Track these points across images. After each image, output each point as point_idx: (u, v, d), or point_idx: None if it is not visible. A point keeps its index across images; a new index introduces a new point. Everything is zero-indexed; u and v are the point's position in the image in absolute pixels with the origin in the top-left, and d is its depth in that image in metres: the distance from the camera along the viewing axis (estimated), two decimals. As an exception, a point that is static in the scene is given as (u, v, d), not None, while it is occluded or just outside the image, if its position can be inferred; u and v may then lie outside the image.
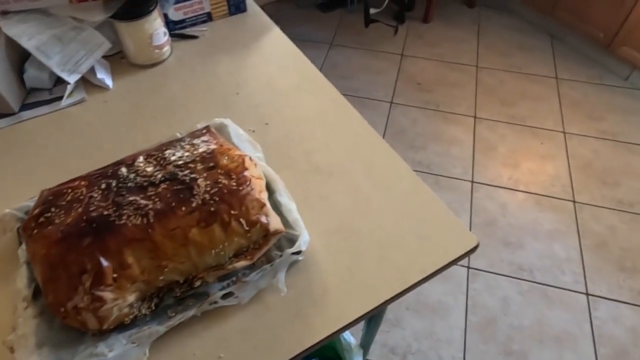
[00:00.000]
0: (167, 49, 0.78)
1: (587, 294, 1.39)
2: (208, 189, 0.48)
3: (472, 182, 1.71)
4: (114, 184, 0.48)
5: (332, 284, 0.51)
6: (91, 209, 0.46)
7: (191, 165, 0.50)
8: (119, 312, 0.44)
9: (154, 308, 0.47)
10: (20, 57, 0.71)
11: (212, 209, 0.47)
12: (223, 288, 0.49)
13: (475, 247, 0.54)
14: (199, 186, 0.48)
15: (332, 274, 0.52)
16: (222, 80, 0.76)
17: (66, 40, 0.70)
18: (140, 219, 0.45)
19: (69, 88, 0.71)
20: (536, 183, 1.70)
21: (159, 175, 0.49)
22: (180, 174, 0.49)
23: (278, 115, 0.70)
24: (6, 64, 0.67)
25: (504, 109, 1.97)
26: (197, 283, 0.49)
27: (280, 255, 0.51)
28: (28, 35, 0.68)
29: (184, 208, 0.47)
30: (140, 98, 0.73)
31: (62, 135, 0.68)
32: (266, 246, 0.51)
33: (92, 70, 0.73)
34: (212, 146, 0.53)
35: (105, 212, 0.45)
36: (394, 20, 2.39)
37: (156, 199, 0.47)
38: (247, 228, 0.49)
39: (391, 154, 0.64)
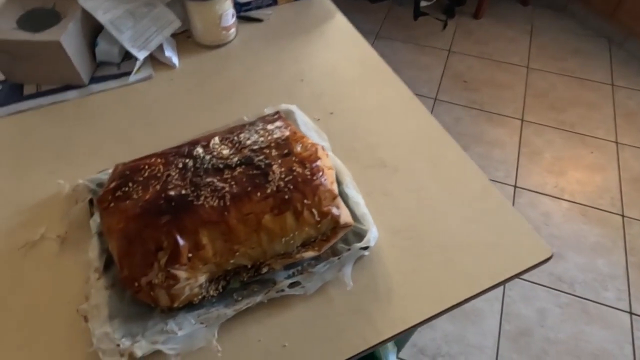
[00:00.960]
0: (233, 30, 0.77)
1: (631, 313, 1.33)
2: (283, 176, 0.48)
3: (515, 186, 1.66)
4: (190, 163, 0.48)
5: (396, 283, 0.50)
6: (169, 187, 0.46)
7: (266, 150, 0.50)
8: (189, 291, 0.45)
9: (221, 290, 0.48)
10: (93, 31, 0.72)
11: (286, 196, 0.47)
12: (289, 276, 0.49)
13: (549, 259, 0.52)
14: (273, 172, 0.48)
15: (396, 272, 0.51)
16: (286, 67, 0.75)
17: (138, 16, 0.71)
18: (217, 201, 0.45)
19: (138, 64, 0.72)
20: (583, 193, 1.63)
21: (235, 159, 0.48)
22: (256, 158, 0.48)
23: (342, 105, 0.68)
24: (81, 37, 0.69)
25: (553, 114, 1.89)
26: (264, 269, 0.48)
27: (348, 249, 0.50)
28: (103, 9, 0.69)
29: (259, 194, 0.46)
30: (205, 78, 0.73)
31: (129, 110, 0.68)
32: (334, 239, 0.50)
33: (160, 48, 0.73)
34: (286, 133, 0.52)
35: (184, 192, 0.45)
36: (444, 14, 2.33)
37: (232, 183, 0.46)
38: (318, 219, 0.48)
39: (459, 154, 0.62)
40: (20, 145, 0.64)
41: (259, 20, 0.83)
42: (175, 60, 0.74)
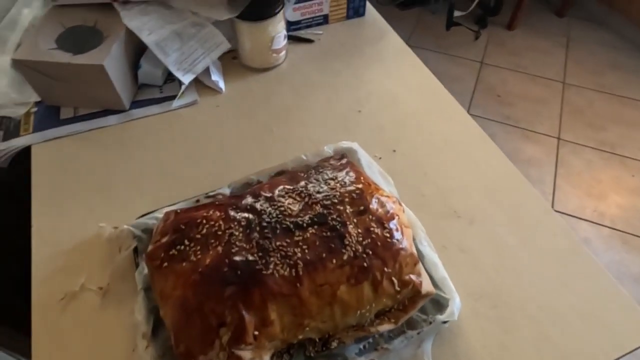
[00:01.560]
0: (283, 53, 0.72)
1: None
2: (360, 239, 0.42)
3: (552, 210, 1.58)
4: (255, 220, 0.42)
5: (483, 361, 0.44)
6: (233, 250, 0.40)
7: (339, 207, 0.44)
8: (254, 372, 0.39)
9: (285, 366, 0.42)
10: (136, 52, 0.67)
11: (365, 264, 0.41)
12: (360, 352, 0.43)
13: (657, 340, 0.45)
14: (350, 234, 0.42)
15: (482, 348, 0.45)
16: (341, 94, 0.69)
17: (185, 37, 0.65)
18: (288, 269, 0.39)
19: (183, 88, 0.66)
20: (624, 219, 1.55)
21: (306, 217, 0.42)
22: (329, 217, 0.42)
23: (406, 141, 0.62)
24: (123, 59, 0.63)
25: (591, 133, 1.81)
26: (334, 344, 0.43)
27: (426, 321, 0.44)
28: (149, 29, 0.63)
29: (334, 261, 0.40)
30: (253, 105, 0.67)
31: (172, 139, 0.63)
32: (413, 310, 0.44)
33: (206, 71, 0.68)
34: (359, 184, 0.46)
35: (251, 258, 0.39)
36: (476, 24, 2.25)
37: (304, 247, 0.41)
38: (398, 288, 0.42)
39: (541, 204, 0.56)
40: (58, 176, 0.59)
41: (309, 40, 0.77)
42: (221, 84, 0.68)
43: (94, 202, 0.56)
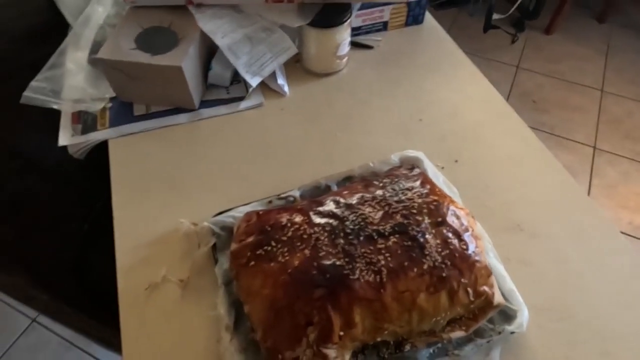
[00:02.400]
0: (346, 59, 0.73)
1: None
2: (439, 249, 0.44)
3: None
4: (339, 226, 0.45)
5: (548, 373, 0.46)
6: (321, 254, 0.43)
7: (418, 217, 0.46)
8: (336, 370, 0.41)
9: (360, 366, 0.44)
10: (207, 54, 0.69)
11: (444, 274, 0.43)
12: (431, 356, 0.45)
13: None
14: (429, 245, 0.44)
15: (547, 360, 0.46)
16: (401, 103, 0.70)
17: (256, 42, 0.68)
18: (372, 275, 0.42)
19: (250, 91, 0.69)
20: (660, 234, 1.53)
21: (387, 226, 0.45)
22: (409, 227, 0.44)
23: (467, 152, 0.64)
24: (197, 61, 0.66)
25: (629, 144, 1.78)
26: (407, 347, 0.45)
27: (494, 330, 0.46)
28: (222, 32, 0.66)
29: (415, 269, 0.42)
30: (316, 110, 0.69)
31: (240, 140, 0.66)
32: (483, 319, 0.46)
33: (272, 74, 0.70)
34: (434, 196, 0.48)
35: (338, 263, 0.42)
36: (513, 27, 2.22)
37: (387, 255, 0.43)
38: (472, 299, 0.44)
39: (602, 220, 0.57)
40: (134, 170, 0.62)
41: (368, 47, 0.78)
42: (286, 88, 0.71)
43: (168, 197, 0.59)
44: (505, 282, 0.49)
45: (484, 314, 0.46)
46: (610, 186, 1.66)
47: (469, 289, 0.44)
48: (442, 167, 0.62)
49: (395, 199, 0.47)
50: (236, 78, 0.72)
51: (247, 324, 0.46)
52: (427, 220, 0.45)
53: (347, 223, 0.45)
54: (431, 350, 0.46)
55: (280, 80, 0.70)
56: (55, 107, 0.67)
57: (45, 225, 0.84)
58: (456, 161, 0.63)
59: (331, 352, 0.40)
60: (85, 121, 0.67)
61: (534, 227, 0.56)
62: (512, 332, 0.46)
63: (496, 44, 2.16)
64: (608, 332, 0.48)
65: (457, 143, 0.65)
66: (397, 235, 0.44)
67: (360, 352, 0.45)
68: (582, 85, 2.00)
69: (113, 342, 0.77)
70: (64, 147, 0.66)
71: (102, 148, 0.67)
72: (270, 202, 0.55)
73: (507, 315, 0.47)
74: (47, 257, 0.84)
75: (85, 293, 0.86)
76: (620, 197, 1.63)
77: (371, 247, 0.43)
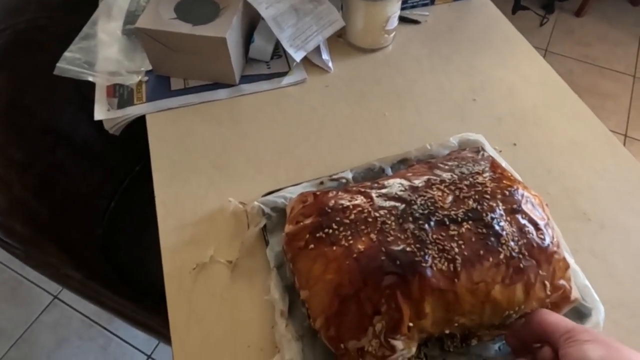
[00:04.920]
0: (394, 34, 0.69)
1: None
2: (516, 238, 0.40)
3: None
4: (407, 210, 0.42)
5: (624, 372, 0.43)
6: (389, 239, 0.40)
7: (492, 203, 0.42)
8: (401, 362, 0.39)
9: (423, 358, 0.42)
10: (249, 26, 0.66)
11: (521, 265, 0.40)
12: (498, 352, 0.43)
13: None
14: (506, 233, 0.40)
15: (623, 358, 0.43)
16: (453, 81, 0.66)
17: (302, 13, 0.64)
18: (446, 264, 0.38)
19: (294, 65, 0.65)
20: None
21: (460, 212, 0.41)
22: (484, 213, 0.41)
23: (526, 136, 0.60)
24: (240, 32, 0.62)
25: (663, 133, 1.72)
26: (474, 342, 0.42)
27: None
28: (267, 2, 0.62)
29: (491, 259, 0.39)
30: (363, 87, 0.66)
31: (284, 118, 0.62)
32: (556, 314, 0.43)
33: (316, 49, 0.66)
34: (507, 181, 0.45)
35: (409, 249, 0.39)
36: (542, 9, 2.14)
37: (460, 242, 0.40)
38: (549, 293, 0.41)
39: (677, 213, 0.53)
40: (174, 147, 0.59)
41: (415, 22, 0.74)
42: (331, 64, 0.67)
43: (213, 176, 0.56)
44: (579, 278, 0.45)
45: (559, 309, 0.42)
46: (642, 176, 1.60)
47: (546, 282, 0.40)
48: (500, 151, 0.58)
49: (466, 182, 0.44)
50: (276, 52, 0.68)
51: (302, 310, 0.43)
52: (501, 207, 0.42)
53: (415, 207, 0.42)
54: (497, 347, 0.43)
55: (325, 56, 0.66)
56: (90, 79, 0.64)
57: (76, 201, 0.82)
58: (514, 144, 0.59)
59: (399, 344, 0.38)
60: (121, 95, 0.64)
61: (602, 217, 0.53)
62: (586, 329, 0.43)
63: (524, 26, 2.08)
64: (689, 331, 0.45)
65: (515, 126, 0.61)
66: (470, 222, 0.41)
67: (423, 344, 0.42)
68: (614, 71, 1.93)
69: (145, 323, 0.76)
70: (94, 122, 0.63)
71: (131, 124, 0.64)
72: (321, 183, 0.52)
73: (580, 312, 0.44)
74: (78, 235, 0.83)
75: (116, 272, 0.84)
76: (652, 187, 1.58)
77: (443, 234, 0.40)
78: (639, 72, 1.92)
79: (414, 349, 0.39)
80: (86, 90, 0.67)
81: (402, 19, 0.73)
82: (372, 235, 0.40)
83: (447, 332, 0.41)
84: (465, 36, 0.72)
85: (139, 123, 0.63)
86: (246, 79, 0.66)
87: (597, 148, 0.59)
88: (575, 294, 0.42)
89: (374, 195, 0.44)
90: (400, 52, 0.70)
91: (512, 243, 0.40)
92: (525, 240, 0.40)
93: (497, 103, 0.63)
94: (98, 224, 0.92)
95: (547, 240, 0.41)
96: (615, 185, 0.55)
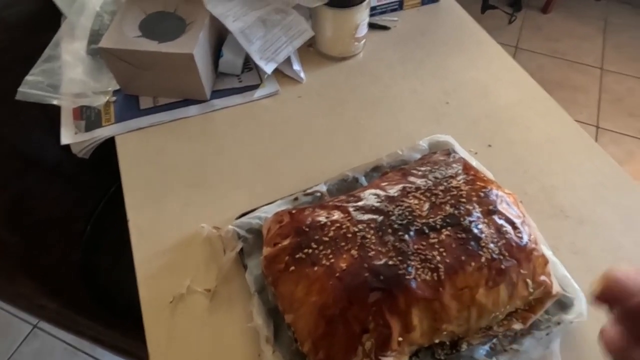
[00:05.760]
0: (364, 41, 0.69)
1: None
2: (495, 240, 0.40)
3: None
4: (385, 222, 0.41)
5: (610, 367, 0.43)
6: (370, 254, 0.39)
7: (468, 206, 0.42)
8: (392, 378, 0.38)
9: (414, 370, 0.41)
10: (217, 40, 0.64)
11: (502, 266, 0.39)
12: (488, 353, 0.42)
13: None
14: (485, 236, 0.40)
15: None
16: (426, 85, 0.66)
17: (269, 25, 0.63)
18: (430, 274, 0.38)
19: (265, 78, 0.64)
20: (667, 211, 1.52)
21: (438, 219, 0.41)
22: (461, 218, 0.41)
23: (501, 136, 0.60)
24: (207, 47, 0.61)
25: (632, 122, 1.77)
26: (464, 347, 0.42)
27: (550, 321, 0.43)
28: (233, 15, 0.61)
29: (472, 263, 0.39)
30: (336, 96, 0.65)
31: (258, 131, 0.61)
32: (540, 310, 0.43)
33: (287, 60, 0.65)
34: (481, 182, 0.45)
35: (391, 263, 0.38)
36: (509, 7, 2.18)
37: (441, 250, 0.39)
38: (531, 290, 0.41)
39: (651, 204, 0.54)
40: (146, 168, 0.57)
41: (385, 27, 0.74)
42: (303, 74, 0.66)
43: (188, 196, 0.55)
44: (558, 269, 0.46)
45: (542, 304, 0.43)
46: (615, 165, 1.64)
47: (528, 280, 0.40)
48: (476, 153, 0.58)
49: (441, 188, 0.44)
50: (247, 65, 0.67)
51: (288, 334, 0.42)
52: (478, 209, 0.42)
53: (393, 218, 0.41)
54: (487, 348, 0.43)
55: (296, 66, 0.66)
56: (54, 102, 0.62)
57: (49, 227, 0.79)
58: (490, 145, 0.59)
59: None
60: (88, 117, 0.62)
61: (580, 213, 0.53)
62: (572, 322, 0.43)
63: (493, 24, 2.12)
64: (670, 321, 0.45)
65: (490, 126, 0.61)
66: (449, 228, 0.40)
67: (414, 354, 0.42)
68: (583, 64, 1.98)
69: (127, 349, 0.73)
70: (64, 145, 0.61)
71: (103, 143, 0.61)
72: (296, 199, 0.51)
73: (563, 304, 0.44)
74: (53, 262, 0.80)
75: (95, 298, 0.81)
76: (626, 175, 1.61)
77: (424, 243, 0.40)
78: (605, 65, 1.97)
79: (403, 362, 0.39)
80: (53, 112, 0.64)
81: (372, 26, 0.73)
82: (353, 252, 0.39)
83: (436, 341, 0.40)
84: (436, 39, 0.72)
85: (112, 142, 0.61)
86: (217, 93, 0.65)
87: (570, 144, 0.59)
88: (556, 287, 0.42)
89: (351, 209, 0.43)
90: (372, 59, 0.70)
91: (491, 245, 0.40)
92: (504, 241, 0.40)
93: (470, 105, 0.64)
94: (75, 248, 0.89)
95: (525, 238, 0.41)
96: (590, 180, 0.56)
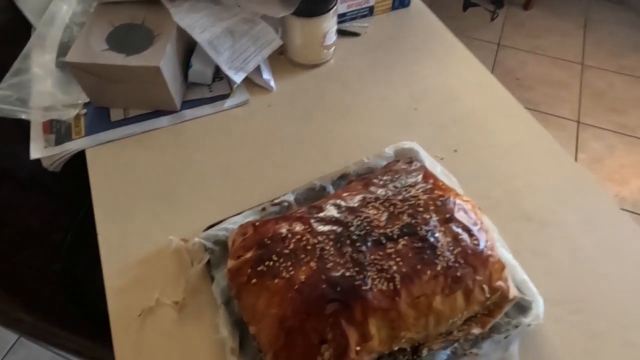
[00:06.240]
0: (333, 48, 0.70)
1: None
2: (451, 248, 0.41)
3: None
4: (344, 233, 0.42)
5: (568, 367, 0.44)
6: (328, 265, 0.40)
7: (425, 215, 0.43)
8: (352, 385, 0.39)
9: (376, 377, 0.42)
10: (186, 51, 0.65)
11: (458, 273, 0.40)
12: (449, 357, 0.43)
13: None
14: (441, 244, 0.41)
15: (567, 355, 0.45)
16: (395, 91, 0.67)
17: (237, 35, 0.63)
18: (385, 283, 0.39)
19: (234, 88, 0.64)
20: (646, 204, 1.55)
21: (395, 229, 0.42)
22: (418, 227, 0.42)
23: (467, 141, 0.61)
24: (175, 59, 0.61)
25: (613, 116, 1.79)
26: (424, 352, 0.43)
27: (509, 324, 0.44)
28: (200, 27, 0.61)
29: (428, 272, 0.40)
30: (306, 103, 0.66)
31: (228, 141, 0.62)
32: (499, 314, 0.44)
33: (256, 69, 0.66)
34: (439, 191, 0.46)
35: (348, 274, 0.39)
36: (492, 4, 2.20)
37: (398, 259, 0.40)
38: (488, 295, 0.42)
39: (613, 208, 0.55)
40: (117, 181, 0.58)
41: (355, 34, 0.75)
42: (272, 83, 0.67)
43: (158, 208, 0.55)
44: (517, 273, 0.47)
45: (500, 309, 0.44)
46: (596, 160, 1.67)
47: (484, 286, 0.42)
48: (442, 158, 0.59)
49: (399, 197, 0.45)
50: (218, 75, 0.68)
51: (253, 345, 0.43)
52: (435, 218, 0.43)
53: (352, 229, 0.42)
54: (449, 352, 0.44)
55: (266, 75, 0.66)
56: (23, 116, 0.62)
57: (27, 239, 0.79)
58: (455, 151, 0.60)
59: (347, 368, 0.38)
60: (58, 130, 0.62)
61: (543, 215, 0.54)
62: (529, 325, 0.44)
63: (476, 22, 2.14)
64: (629, 321, 0.46)
65: (456, 132, 0.62)
66: (406, 237, 0.41)
67: (376, 362, 0.43)
68: (564, 60, 2.00)
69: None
70: (41, 161, 0.61)
71: (77, 155, 0.62)
72: (263, 209, 0.52)
73: (522, 307, 0.45)
74: (30, 275, 0.79)
75: (75, 310, 0.81)
76: (606, 170, 1.64)
77: (380, 253, 0.40)
78: (586, 60, 2.00)
79: (362, 370, 0.40)
80: (26, 123, 0.64)
81: (342, 32, 0.74)
82: (312, 264, 0.40)
83: (396, 348, 0.41)
84: (405, 45, 0.73)
85: (87, 153, 0.61)
86: (188, 104, 0.65)
87: (535, 147, 0.61)
88: (513, 292, 0.43)
89: (312, 220, 0.44)
90: (343, 66, 0.71)
91: (447, 253, 0.41)
92: (460, 249, 0.41)
93: (438, 110, 0.65)
94: (55, 259, 0.89)
95: (482, 245, 0.42)
96: (552, 182, 0.57)
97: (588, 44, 2.06)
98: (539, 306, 0.44)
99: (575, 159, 1.67)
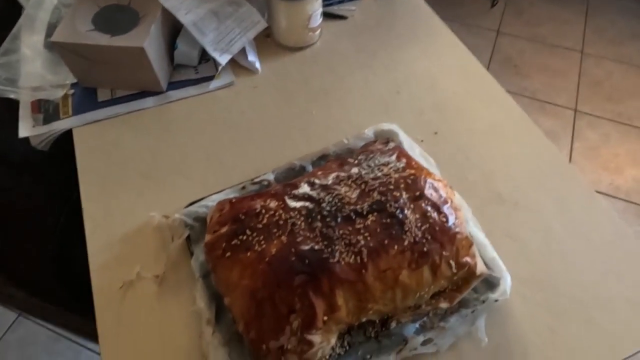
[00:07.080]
0: (319, 31, 0.70)
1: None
2: (419, 224, 0.43)
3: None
4: (315, 209, 0.43)
5: (532, 343, 0.46)
6: (298, 239, 0.41)
7: (396, 193, 0.44)
8: (321, 354, 0.41)
9: (347, 347, 0.44)
10: (171, 32, 0.65)
11: (425, 249, 0.42)
12: (417, 331, 0.45)
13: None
14: (409, 221, 0.43)
15: (531, 330, 0.46)
16: (379, 75, 0.68)
17: (222, 17, 0.64)
18: (353, 257, 0.40)
19: (220, 69, 0.65)
20: (640, 193, 1.56)
21: (365, 205, 0.43)
22: (387, 204, 0.43)
23: (447, 124, 0.62)
24: (161, 40, 0.62)
25: (609, 105, 1.79)
26: (393, 324, 0.44)
27: (478, 299, 0.46)
28: (185, 8, 0.62)
29: (395, 247, 0.41)
30: (291, 86, 0.67)
31: (212, 122, 0.63)
32: (466, 289, 0.45)
33: (242, 51, 0.67)
34: (411, 170, 0.47)
35: (317, 247, 0.40)
36: (492, -10, 2.18)
37: (366, 234, 0.41)
38: (455, 271, 0.43)
39: (586, 191, 0.56)
40: (102, 160, 0.59)
41: (342, 17, 0.75)
42: (258, 65, 0.67)
43: (142, 186, 0.57)
44: (487, 251, 0.48)
45: (468, 284, 0.45)
46: (591, 148, 1.67)
47: (451, 262, 0.43)
48: (422, 140, 0.60)
49: (372, 175, 0.46)
50: (205, 57, 0.69)
51: (229, 316, 0.45)
52: (405, 196, 0.44)
53: (324, 205, 0.43)
54: (417, 325, 0.46)
55: (251, 57, 0.67)
56: (12, 96, 0.63)
57: (19, 221, 0.81)
58: (436, 133, 0.61)
59: (316, 338, 0.40)
60: (46, 110, 0.64)
61: (516, 197, 0.55)
62: (496, 300, 0.45)
63: (475, 8, 2.12)
64: (591, 300, 0.48)
65: (437, 115, 0.63)
66: (375, 214, 0.43)
67: (347, 333, 0.44)
68: (563, 48, 1.98)
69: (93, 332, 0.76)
70: (27, 138, 0.62)
71: (69, 139, 0.63)
72: (243, 187, 0.53)
73: (491, 283, 0.47)
74: (24, 254, 0.81)
75: (67, 288, 0.84)
76: (601, 158, 1.64)
77: (350, 228, 0.42)
78: (586, 48, 1.98)
79: (333, 340, 0.41)
80: (17, 107, 0.65)
81: (329, 15, 0.74)
82: (283, 238, 0.42)
83: (364, 319, 0.43)
84: (392, 29, 0.74)
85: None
86: (174, 85, 0.66)
87: (513, 131, 0.61)
88: (481, 268, 0.45)
89: (286, 197, 0.45)
90: (328, 49, 0.71)
91: (415, 229, 0.42)
92: (427, 225, 0.43)
93: (420, 94, 0.65)
94: (49, 240, 0.91)
95: (450, 222, 0.44)
96: (528, 165, 0.58)
97: (588, 32, 2.05)
98: (506, 283, 0.46)
99: (571, 147, 1.68)
